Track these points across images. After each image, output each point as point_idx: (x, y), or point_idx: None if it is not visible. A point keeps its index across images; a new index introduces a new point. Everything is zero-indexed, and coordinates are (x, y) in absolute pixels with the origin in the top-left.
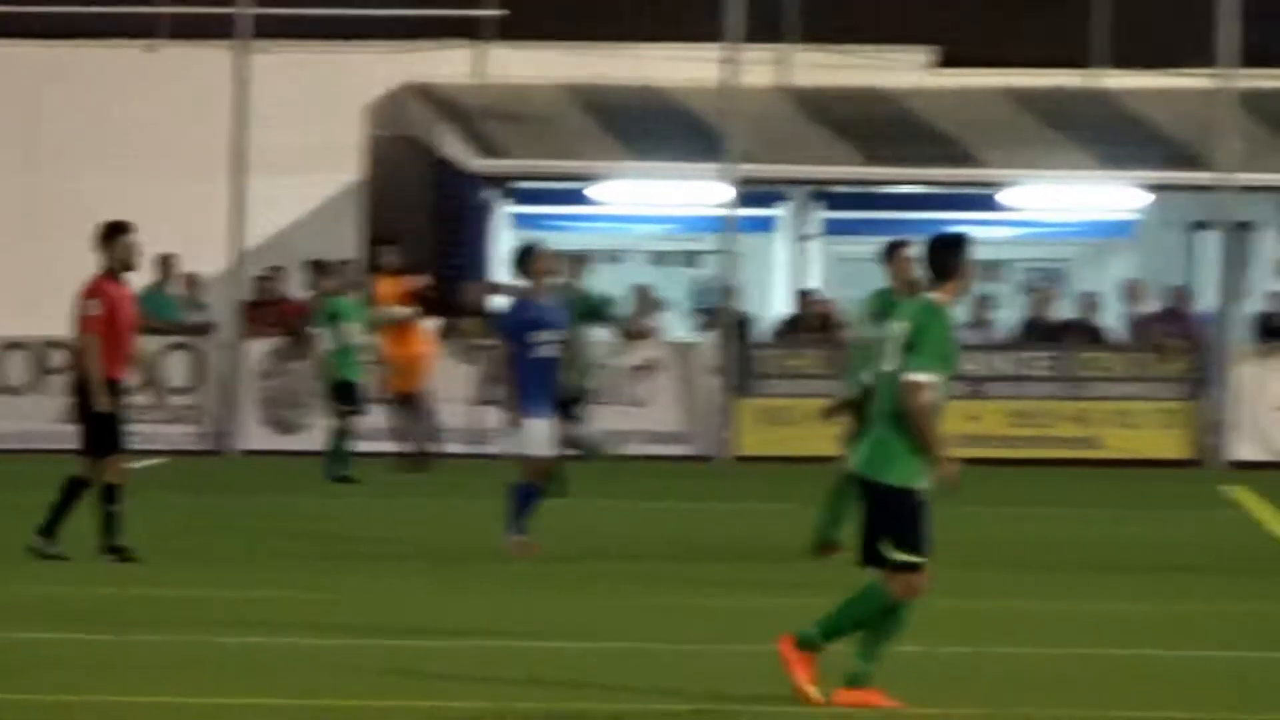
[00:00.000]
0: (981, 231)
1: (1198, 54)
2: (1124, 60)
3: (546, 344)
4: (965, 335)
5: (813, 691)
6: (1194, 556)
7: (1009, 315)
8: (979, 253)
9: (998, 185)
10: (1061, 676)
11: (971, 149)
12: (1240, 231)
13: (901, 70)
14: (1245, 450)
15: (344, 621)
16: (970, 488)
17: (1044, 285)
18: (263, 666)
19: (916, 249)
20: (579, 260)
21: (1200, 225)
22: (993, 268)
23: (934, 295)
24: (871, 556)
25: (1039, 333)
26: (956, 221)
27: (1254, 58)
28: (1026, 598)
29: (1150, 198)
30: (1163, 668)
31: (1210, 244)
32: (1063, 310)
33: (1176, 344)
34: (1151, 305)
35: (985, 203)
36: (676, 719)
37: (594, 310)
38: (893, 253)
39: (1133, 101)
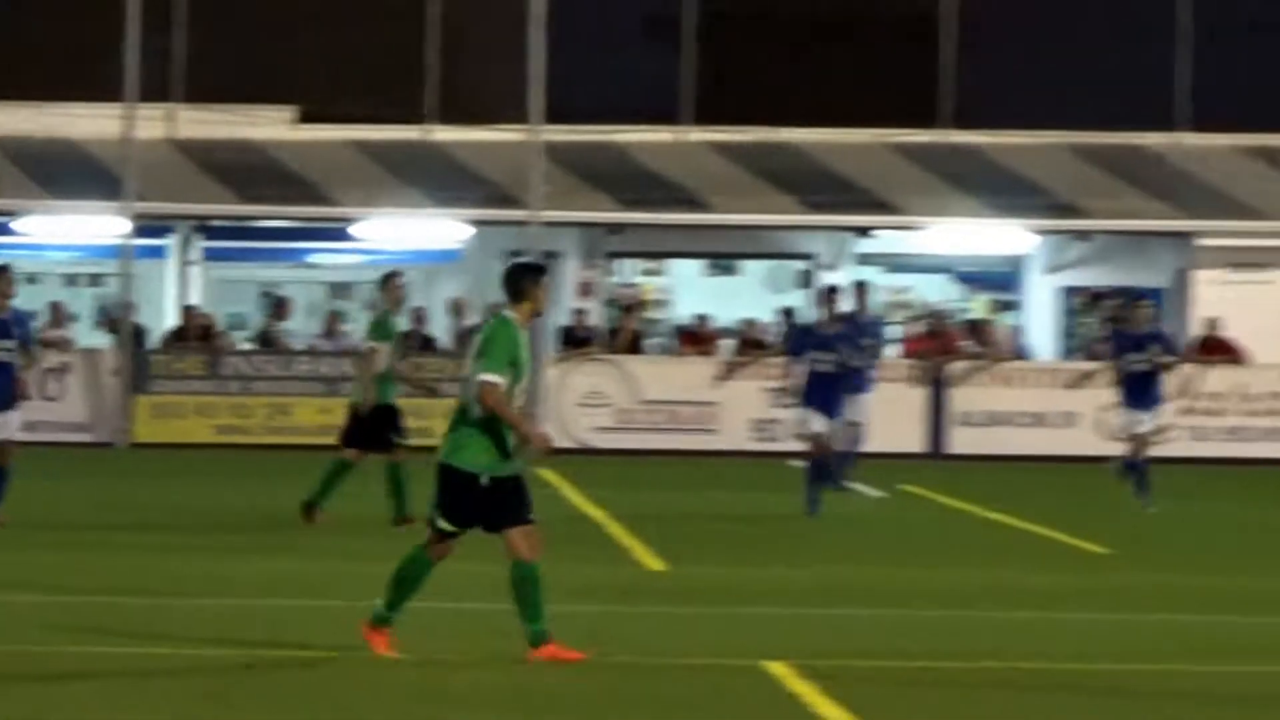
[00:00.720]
0: (335, 259)
1: (512, 112)
2: (451, 117)
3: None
4: (320, 344)
5: (389, 649)
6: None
7: (357, 327)
8: (330, 276)
9: (349, 220)
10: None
11: (326, 190)
12: (548, 259)
13: (268, 125)
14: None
15: None
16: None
17: None
18: None
19: (406, 277)
20: None
21: (515, 254)
22: (344, 288)
23: (507, 312)
24: (505, 523)
25: None
26: (315, 250)
27: (557, 115)
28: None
29: (473, 230)
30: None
31: None
32: (400, 323)
33: None
34: (473, 320)
35: (338, 234)
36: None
37: None
38: (387, 281)
39: (459, 151)
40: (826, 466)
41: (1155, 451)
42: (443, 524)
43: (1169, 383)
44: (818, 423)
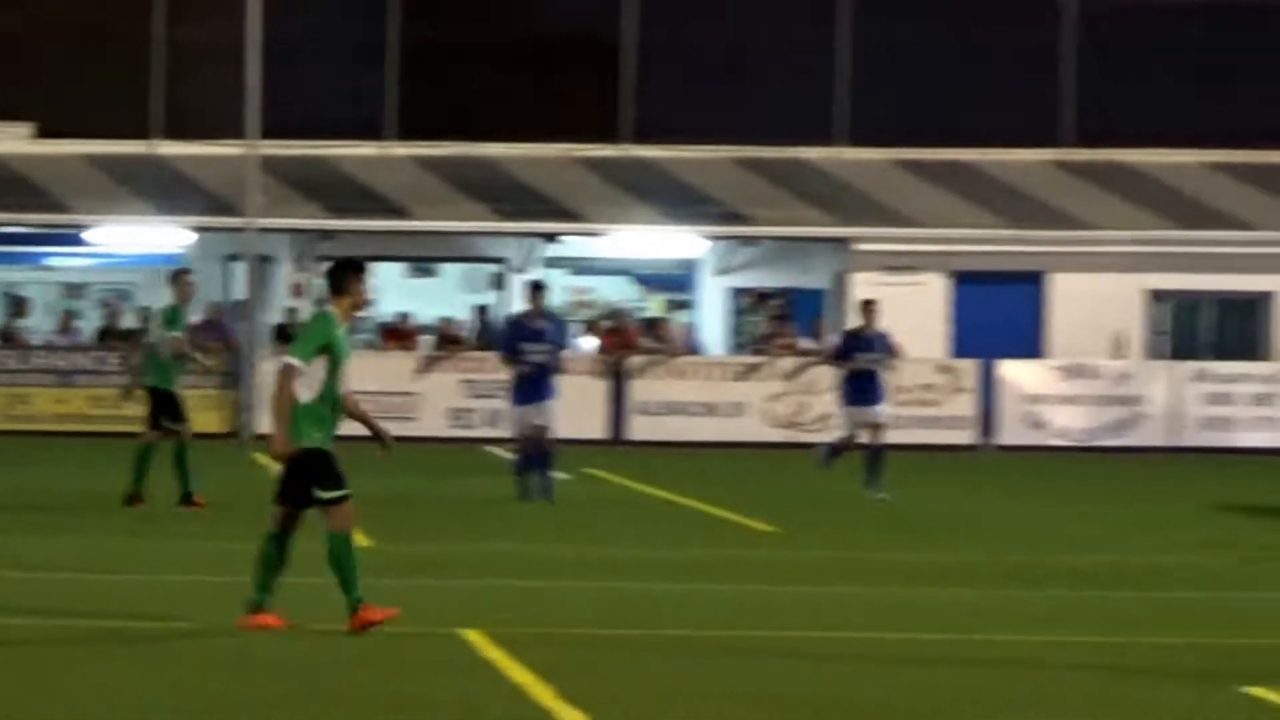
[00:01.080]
0: (70, 262)
1: (230, 127)
2: (175, 132)
3: None
4: (56, 340)
5: (388, 613)
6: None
7: (89, 324)
8: (66, 278)
9: (83, 227)
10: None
11: (62, 199)
12: (263, 263)
13: (9, 140)
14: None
15: None
16: (76, 454)
17: (115, 302)
18: None
19: (195, 275)
20: None
21: (233, 257)
22: (78, 288)
23: (328, 306)
24: (290, 499)
25: (111, 337)
26: (52, 254)
27: (272, 130)
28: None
29: (195, 236)
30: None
31: (240, 272)
32: (128, 320)
33: (215, 346)
34: (195, 318)
35: (73, 240)
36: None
37: None
38: (177, 278)
39: (182, 164)
40: (543, 455)
41: (815, 438)
42: (328, 495)
43: (887, 379)
44: (533, 415)
